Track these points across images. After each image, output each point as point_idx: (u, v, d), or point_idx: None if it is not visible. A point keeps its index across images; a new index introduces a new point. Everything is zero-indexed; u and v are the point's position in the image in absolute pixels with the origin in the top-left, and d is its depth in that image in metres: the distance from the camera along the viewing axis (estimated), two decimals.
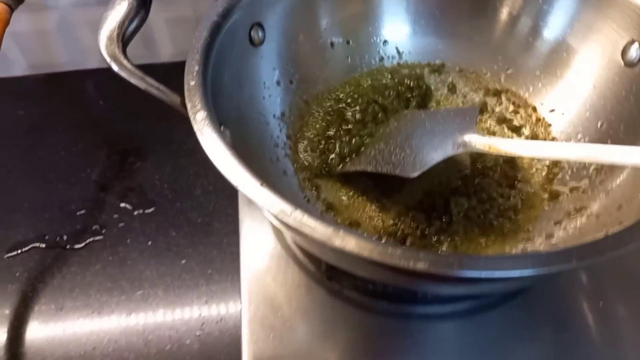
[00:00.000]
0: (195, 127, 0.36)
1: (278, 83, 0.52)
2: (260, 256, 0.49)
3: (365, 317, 0.46)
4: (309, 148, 0.52)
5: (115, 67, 0.40)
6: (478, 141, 0.43)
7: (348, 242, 0.31)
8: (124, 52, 0.41)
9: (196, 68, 0.40)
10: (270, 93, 0.51)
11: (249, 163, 0.35)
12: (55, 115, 0.73)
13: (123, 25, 0.41)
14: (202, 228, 0.61)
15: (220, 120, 0.40)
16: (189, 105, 0.38)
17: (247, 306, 0.46)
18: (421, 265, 0.30)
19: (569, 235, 0.43)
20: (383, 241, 0.31)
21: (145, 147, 0.70)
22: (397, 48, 0.58)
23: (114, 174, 0.67)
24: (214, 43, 0.42)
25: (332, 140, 0.52)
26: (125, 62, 0.40)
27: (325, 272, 0.47)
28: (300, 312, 0.46)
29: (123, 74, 0.40)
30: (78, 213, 0.63)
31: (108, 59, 0.40)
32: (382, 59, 0.58)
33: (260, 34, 0.49)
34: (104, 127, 0.72)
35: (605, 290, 0.47)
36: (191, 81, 0.39)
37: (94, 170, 0.67)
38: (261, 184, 0.33)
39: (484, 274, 0.30)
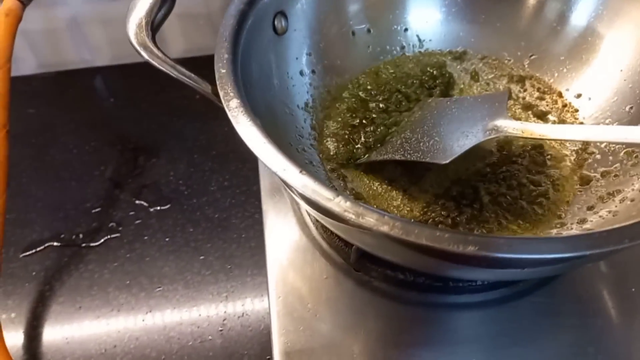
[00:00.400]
0: (230, 115, 0.36)
1: (301, 73, 0.51)
2: (286, 249, 0.49)
3: (394, 308, 0.45)
4: (334, 138, 0.51)
5: (146, 56, 0.39)
6: (510, 125, 0.42)
7: (395, 228, 0.30)
8: (153, 40, 0.40)
9: (226, 56, 0.39)
10: (294, 83, 0.50)
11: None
12: (67, 114, 0.72)
13: (152, 12, 0.40)
14: (220, 224, 0.60)
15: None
16: (221, 93, 0.37)
17: (275, 299, 0.45)
18: (471, 249, 0.29)
19: (603, 220, 0.42)
20: (429, 225, 0.30)
21: (158, 144, 0.69)
22: (418, 36, 0.57)
23: (128, 172, 0.66)
24: (242, 31, 0.42)
25: (357, 130, 0.51)
26: (156, 50, 0.39)
27: (353, 263, 0.46)
28: (329, 304, 0.45)
29: (154, 63, 0.39)
30: (93, 211, 0.62)
31: (138, 48, 0.39)
32: (403, 47, 0.57)
33: (283, 22, 0.48)
34: (115, 124, 0.72)
35: (624, 278, 0.47)
36: (222, 69, 0.38)
37: (108, 168, 0.67)
38: (300, 171, 0.33)
39: (533, 255, 0.29)
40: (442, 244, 0.29)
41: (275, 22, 0.47)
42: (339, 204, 0.31)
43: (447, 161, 0.42)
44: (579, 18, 0.52)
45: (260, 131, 0.35)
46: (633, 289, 0.46)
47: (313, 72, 0.52)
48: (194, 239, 0.59)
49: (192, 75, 0.39)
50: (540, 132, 0.40)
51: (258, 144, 0.34)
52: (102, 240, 0.60)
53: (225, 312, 0.54)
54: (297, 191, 0.32)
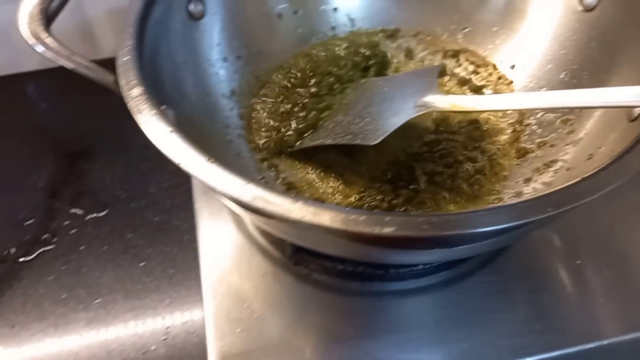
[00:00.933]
0: (131, 105, 0.33)
1: (225, 59, 0.49)
2: (221, 247, 0.46)
3: (337, 300, 0.43)
4: (263, 126, 0.49)
5: (38, 48, 0.36)
6: (440, 101, 0.40)
7: (306, 213, 0.28)
8: (47, 29, 0.37)
9: (129, 42, 0.36)
10: (216, 70, 0.48)
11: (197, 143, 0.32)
12: None
13: None
14: (161, 227, 0.58)
15: (161, 99, 0.36)
16: (122, 82, 0.34)
17: (210, 301, 0.43)
18: (388, 230, 0.27)
19: (539, 191, 0.41)
20: (346, 208, 0.28)
21: (93, 147, 0.66)
22: (348, 15, 0.55)
23: (63, 179, 0.63)
24: (149, 16, 0.39)
25: (288, 117, 0.49)
26: (49, 40, 0.36)
27: (291, 256, 0.44)
28: (268, 301, 0.43)
29: (48, 55, 0.36)
30: (26, 223, 0.59)
31: (29, 38, 0.36)
32: (334, 27, 0.55)
33: (199, 6, 0.45)
34: (48, 130, 0.68)
35: (577, 249, 0.46)
36: (124, 56, 0.35)
37: (41, 177, 0.63)
38: (208, 160, 0.30)
39: (455, 231, 0.27)
40: (357, 227, 0.27)
41: (190, 6, 0.44)
42: (248, 191, 0.29)
43: (377, 141, 0.40)
44: None
45: (165, 121, 0.32)
46: (578, 262, 0.44)
47: (238, 57, 0.50)
48: (133, 245, 0.56)
49: (91, 64, 0.36)
50: (469, 106, 0.38)
51: (161, 133, 0.31)
52: (36, 253, 0.56)
53: (168, 319, 0.51)
54: (202, 181, 0.29)
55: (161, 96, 0.37)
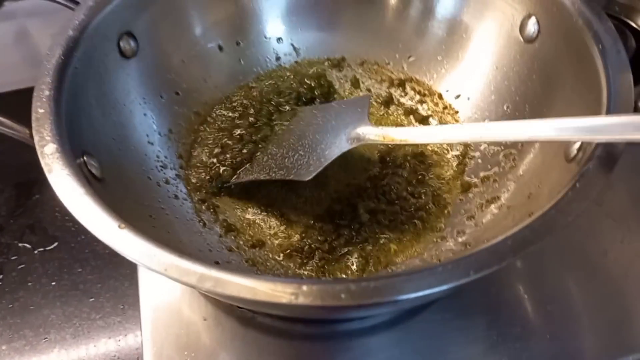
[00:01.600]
0: (43, 163, 0.32)
1: (160, 96, 0.47)
2: (162, 290, 0.45)
3: (282, 344, 0.42)
4: (200, 163, 0.48)
5: None
6: (371, 132, 0.40)
7: (215, 283, 0.27)
8: None
9: (46, 93, 0.35)
10: (151, 108, 0.46)
11: (126, 193, 0.32)
12: None
13: None
14: (111, 260, 0.56)
15: (83, 149, 0.35)
16: (36, 138, 0.33)
17: (149, 349, 0.42)
18: (303, 300, 0.26)
19: (480, 229, 0.40)
20: (256, 272, 0.27)
21: (42, 177, 0.63)
22: (292, 45, 0.54)
23: (9, 212, 0.61)
24: (70, 61, 0.37)
25: (224, 151, 0.48)
26: None
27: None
28: (209, 349, 0.42)
29: None
30: None
31: None
32: (278, 58, 0.54)
33: (132, 43, 0.44)
34: None
35: (539, 273, 0.45)
36: (39, 109, 0.34)
37: None
38: (120, 226, 0.29)
39: (374, 299, 0.26)
40: (271, 298, 0.26)
41: (122, 44, 0.43)
42: (160, 261, 0.28)
43: (310, 177, 0.39)
44: (446, 11, 0.50)
45: (77, 181, 0.31)
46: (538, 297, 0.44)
47: (177, 93, 0.48)
48: (82, 280, 0.55)
49: (4, 120, 0.35)
50: (400, 137, 0.38)
51: (72, 195, 0.30)
52: None
53: (119, 357, 0.50)
54: (113, 249, 0.28)
55: (85, 145, 0.35)
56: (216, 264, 0.40)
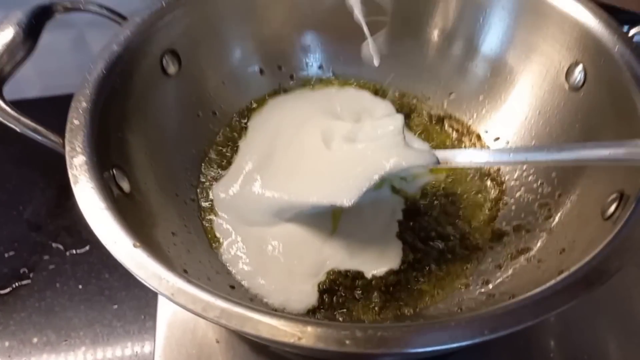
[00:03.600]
0: (70, 174, 0.33)
1: (198, 115, 0.48)
2: (177, 309, 0.45)
3: None
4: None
5: None
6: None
7: (222, 314, 0.26)
8: None
9: (83, 105, 0.36)
10: (187, 125, 0.47)
11: (152, 208, 0.32)
12: None
13: (2, 57, 0.37)
14: None
15: (114, 162, 0.36)
16: (67, 149, 0.34)
17: None
18: (305, 342, 0.25)
19: (507, 281, 0.38)
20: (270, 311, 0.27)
21: None
22: (333, 72, 0.55)
23: (48, 212, 0.63)
24: (111, 75, 0.38)
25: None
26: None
27: None
28: None
29: None
30: (6, 255, 0.59)
31: None
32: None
33: (174, 62, 0.44)
34: (40, 160, 0.68)
35: (573, 327, 0.43)
36: (75, 120, 0.35)
37: (27, 208, 0.63)
38: (134, 245, 0.29)
39: (378, 350, 0.25)
40: (276, 337, 0.26)
41: (164, 62, 0.44)
42: (169, 285, 0.28)
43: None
44: (490, 52, 0.49)
45: (101, 196, 0.31)
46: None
47: (214, 113, 0.49)
48: (108, 287, 0.56)
49: (40, 127, 0.36)
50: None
51: (94, 209, 0.31)
52: (12, 287, 0.56)
53: None
54: (126, 267, 0.29)
55: (115, 159, 0.36)
56: (231, 288, 0.40)
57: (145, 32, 0.41)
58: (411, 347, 0.25)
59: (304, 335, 0.26)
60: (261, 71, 0.52)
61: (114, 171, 0.36)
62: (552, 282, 0.28)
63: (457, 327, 0.26)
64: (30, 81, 0.73)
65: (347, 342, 0.25)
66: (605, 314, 0.44)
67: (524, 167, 0.45)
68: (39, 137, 0.36)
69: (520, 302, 0.27)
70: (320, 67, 0.54)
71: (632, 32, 0.41)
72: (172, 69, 0.45)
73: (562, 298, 0.27)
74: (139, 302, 0.54)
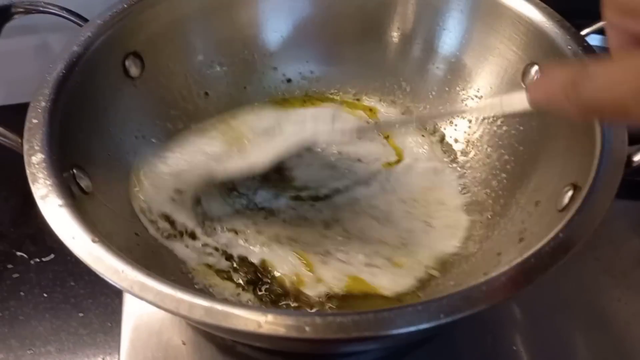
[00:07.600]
0: (28, 172, 0.32)
1: (160, 117, 0.47)
2: (144, 311, 0.44)
3: None
4: None
5: None
6: None
7: (181, 305, 0.26)
8: None
9: (42, 104, 0.36)
10: (150, 127, 0.46)
11: (114, 208, 0.33)
12: None
13: None
14: None
15: (75, 162, 0.36)
16: (25, 147, 0.33)
17: None
18: (266, 329, 0.26)
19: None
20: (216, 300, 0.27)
21: None
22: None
23: (12, 220, 0.62)
24: (71, 75, 0.38)
25: None
26: None
27: None
28: None
29: None
30: None
31: None
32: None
33: (137, 63, 0.44)
34: (2, 168, 0.67)
35: (537, 324, 0.45)
36: (33, 119, 0.35)
37: None
38: (93, 240, 0.29)
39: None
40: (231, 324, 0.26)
41: (127, 63, 0.44)
42: (127, 277, 0.27)
43: None
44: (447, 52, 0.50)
45: (58, 193, 0.31)
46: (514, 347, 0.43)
47: (179, 117, 0.49)
48: (74, 294, 0.55)
49: None
50: None
51: (51, 206, 0.30)
52: None
53: None
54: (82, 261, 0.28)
55: (75, 159, 0.36)
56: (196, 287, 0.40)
57: (106, 33, 0.41)
58: (368, 332, 0.26)
59: (264, 322, 0.26)
60: (225, 73, 0.52)
61: (75, 171, 0.36)
62: (504, 267, 0.29)
63: (415, 311, 0.26)
64: None
65: (307, 329, 0.26)
66: (568, 307, 0.46)
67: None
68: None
69: (473, 287, 0.28)
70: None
71: (584, 31, 0.43)
72: (134, 70, 0.45)
73: (515, 282, 0.28)
74: (105, 309, 0.54)
